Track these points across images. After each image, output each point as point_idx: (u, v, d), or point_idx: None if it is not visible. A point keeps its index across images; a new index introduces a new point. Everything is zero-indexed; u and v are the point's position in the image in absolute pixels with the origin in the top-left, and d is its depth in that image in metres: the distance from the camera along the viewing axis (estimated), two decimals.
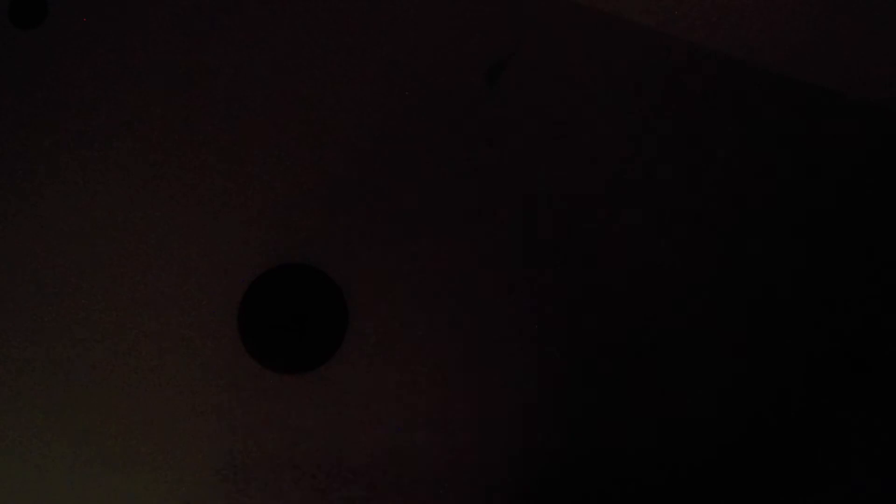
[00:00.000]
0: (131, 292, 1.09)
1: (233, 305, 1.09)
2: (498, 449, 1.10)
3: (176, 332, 1.09)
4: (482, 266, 1.12)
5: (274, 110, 1.13)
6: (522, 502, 1.09)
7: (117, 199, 1.11)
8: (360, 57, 1.15)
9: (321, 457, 1.09)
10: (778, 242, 1.14)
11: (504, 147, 1.14)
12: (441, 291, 1.12)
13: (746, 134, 1.16)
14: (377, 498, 1.08)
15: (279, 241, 1.11)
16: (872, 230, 1.15)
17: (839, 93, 1.16)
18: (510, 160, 1.14)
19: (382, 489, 1.09)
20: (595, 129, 1.15)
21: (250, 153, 1.12)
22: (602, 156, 1.15)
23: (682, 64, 1.16)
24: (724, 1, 1.13)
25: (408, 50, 1.15)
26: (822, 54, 1.14)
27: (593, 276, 1.13)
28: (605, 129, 1.15)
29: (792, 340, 1.13)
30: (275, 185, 1.12)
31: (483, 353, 1.11)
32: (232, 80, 1.13)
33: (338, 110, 1.14)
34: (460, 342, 1.11)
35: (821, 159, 1.16)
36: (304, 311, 1.09)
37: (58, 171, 1.11)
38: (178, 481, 1.07)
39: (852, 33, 1.13)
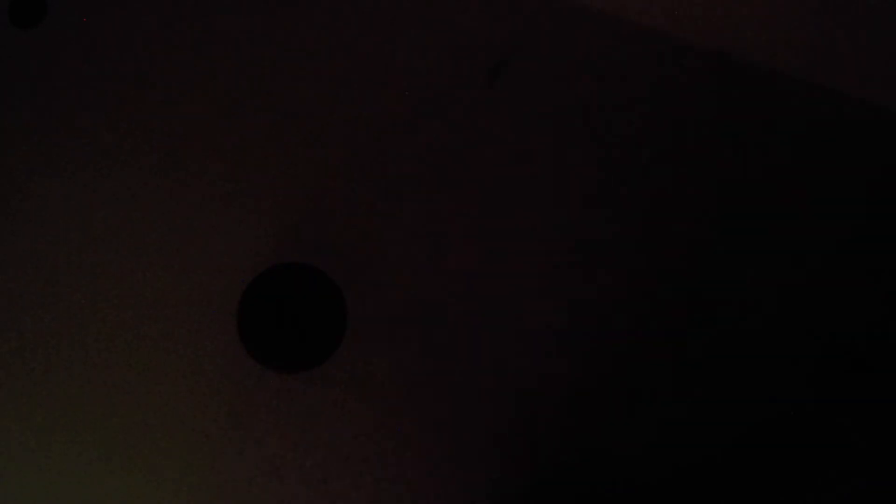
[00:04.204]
0: (130, 292, 1.09)
1: (232, 305, 1.10)
2: (498, 449, 1.10)
3: (175, 332, 1.09)
4: (482, 266, 1.12)
5: (274, 110, 1.13)
6: (522, 503, 1.09)
7: (116, 198, 1.11)
8: (360, 56, 1.15)
9: (321, 456, 1.09)
10: (777, 241, 1.14)
11: (505, 147, 1.14)
12: (441, 292, 1.12)
13: (746, 134, 1.16)
14: (377, 498, 1.09)
15: (279, 241, 1.11)
16: (872, 230, 1.15)
17: (839, 93, 1.16)
18: (511, 160, 1.14)
19: (382, 489, 1.09)
20: (594, 130, 1.15)
21: (250, 153, 1.12)
22: (601, 156, 1.15)
23: (682, 63, 1.16)
24: (726, 1, 1.13)
25: (408, 50, 1.15)
26: (822, 54, 1.14)
27: (593, 275, 1.13)
28: (604, 128, 1.15)
29: (791, 340, 1.13)
30: (275, 185, 1.12)
31: (483, 353, 1.11)
32: (232, 79, 1.13)
33: (338, 110, 1.14)
34: (461, 342, 1.11)
35: (821, 159, 1.16)
36: (303, 311, 1.09)
37: (58, 171, 1.11)
38: (178, 481, 1.07)
39: (852, 33, 1.13)
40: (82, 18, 1.13)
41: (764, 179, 1.15)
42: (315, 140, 1.13)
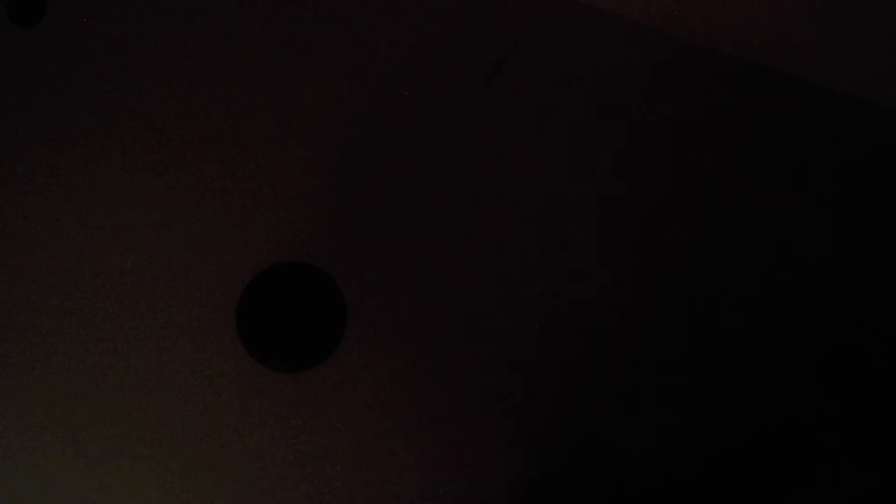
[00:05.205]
0: (130, 291, 1.09)
1: (231, 304, 1.09)
2: (496, 449, 1.10)
3: (175, 332, 1.09)
4: (482, 265, 1.12)
5: (273, 109, 1.13)
6: (522, 503, 1.09)
7: (117, 198, 1.11)
8: (359, 56, 1.15)
9: (320, 456, 1.09)
10: (777, 241, 1.14)
11: (504, 147, 1.14)
12: (441, 291, 1.12)
13: (746, 133, 1.15)
14: (378, 499, 1.08)
15: (278, 241, 1.11)
16: (872, 230, 1.15)
17: (839, 93, 1.16)
18: (510, 160, 1.14)
19: (382, 489, 1.09)
20: (594, 129, 1.15)
21: (250, 153, 1.12)
22: (601, 155, 1.14)
23: (682, 63, 1.16)
24: (724, 1, 1.13)
25: (407, 50, 1.15)
26: (822, 54, 1.14)
27: (593, 275, 1.13)
28: (604, 128, 1.15)
29: (791, 340, 1.13)
30: (275, 185, 1.12)
31: (483, 352, 1.11)
32: (231, 79, 1.13)
33: (337, 110, 1.14)
34: (460, 341, 1.11)
35: (820, 159, 1.15)
36: (303, 310, 1.09)
37: (57, 171, 1.11)
38: (178, 481, 1.07)
39: (852, 33, 1.12)
40: (82, 18, 1.13)
41: (764, 179, 1.15)
42: (315, 140, 1.13)
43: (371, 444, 1.09)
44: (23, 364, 1.08)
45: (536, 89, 1.15)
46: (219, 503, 1.07)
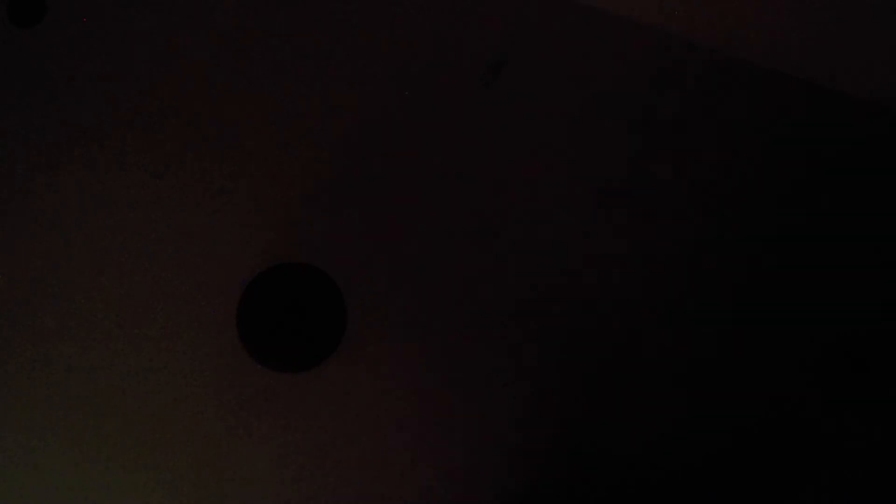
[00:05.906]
0: (130, 292, 1.09)
1: (232, 305, 1.10)
2: (496, 449, 1.10)
3: (175, 332, 1.09)
4: (482, 265, 1.12)
5: (273, 109, 1.13)
6: (522, 502, 1.09)
7: (117, 198, 1.11)
8: (359, 56, 1.15)
9: (320, 455, 1.09)
10: (777, 241, 1.14)
11: (504, 147, 1.14)
12: (441, 291, 1.12)
13: (745, 134, 1.16)
14: (378, 498, 1.09)
15: (279, 241, 1.11)
16: (872, 230, 1.15)
17: (839, 93, 1.16)
18: (510, 160, 1.14)
19: (382, 489, 1.09)
20: (593, 129, 1.15)
21: (250, 153, 1.12)
22: (600, 155, 1.15)
23: (682, 63, 1.16)
24: (724, 1, 1.13)
25: (408, 50, 1.15)
26: (821, 54, 1.14)
27: (591, 275, 1.13)
28: (603, 128, 1.15)
29: (791, 340, 1.13)
30: (275, 185, 1.12)
31: (483, 352, 1.11)
32: (231, 79, 1.13)
33: (337, 110, 1.14)
34: (460, 341, 1.11)
35: (820, 159, 1.16)
36: (303, 311, 1.09)
37: (58, 172, 1.11)
38: (177, 481, 1.07)
39: (852, 33, 1.12)
40: (82, 18, 1.13)
41: (762, 179, 1.15)
42: (315, 140, 1.13)
43: (371, 443, 1.09)
44: (23, 364, 1.08)
45: (536, 89, 1.15)
46: (218, 502, 1.07)
